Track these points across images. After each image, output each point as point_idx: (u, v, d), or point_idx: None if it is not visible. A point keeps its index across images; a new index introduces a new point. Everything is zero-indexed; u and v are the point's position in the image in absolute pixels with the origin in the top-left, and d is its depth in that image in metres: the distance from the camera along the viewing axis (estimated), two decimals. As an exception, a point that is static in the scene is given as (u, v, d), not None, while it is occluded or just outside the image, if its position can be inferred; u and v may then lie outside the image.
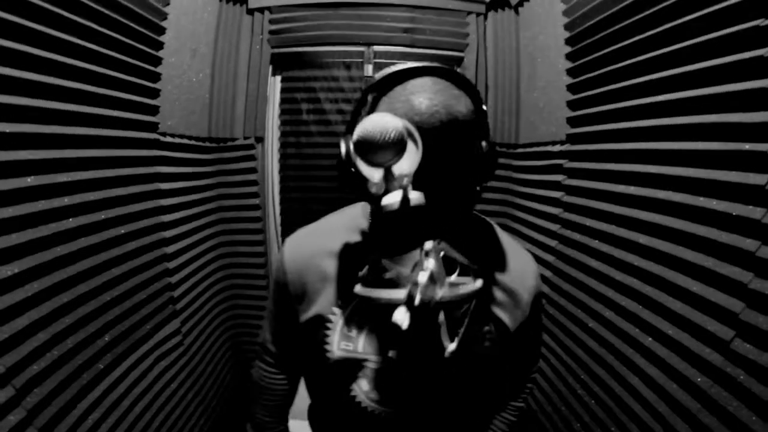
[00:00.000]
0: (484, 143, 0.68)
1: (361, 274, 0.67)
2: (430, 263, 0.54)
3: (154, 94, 1.42)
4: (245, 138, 1.81)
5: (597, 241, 1.32)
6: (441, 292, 0.54)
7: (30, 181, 0.97)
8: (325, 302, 0.77)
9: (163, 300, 1.44)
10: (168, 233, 1.48)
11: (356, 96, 1.88)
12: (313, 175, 1.93)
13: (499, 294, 0.79)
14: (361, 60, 1.85)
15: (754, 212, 0.85)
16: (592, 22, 1.34)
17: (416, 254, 0.55)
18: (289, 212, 1.97)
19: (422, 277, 0.52)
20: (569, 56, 1.47)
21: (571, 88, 1.47)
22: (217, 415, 1.79)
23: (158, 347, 1.41)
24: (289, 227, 1.97)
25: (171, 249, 1.49)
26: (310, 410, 0.98)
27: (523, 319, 0.82)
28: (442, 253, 0.59)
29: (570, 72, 1.47)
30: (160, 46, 1.43)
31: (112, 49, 1.23)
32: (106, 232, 1.21)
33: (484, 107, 0.69)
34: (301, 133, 1.92)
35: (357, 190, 0.63)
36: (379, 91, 0.68)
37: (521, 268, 0.84)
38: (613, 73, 1.28)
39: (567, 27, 1.47)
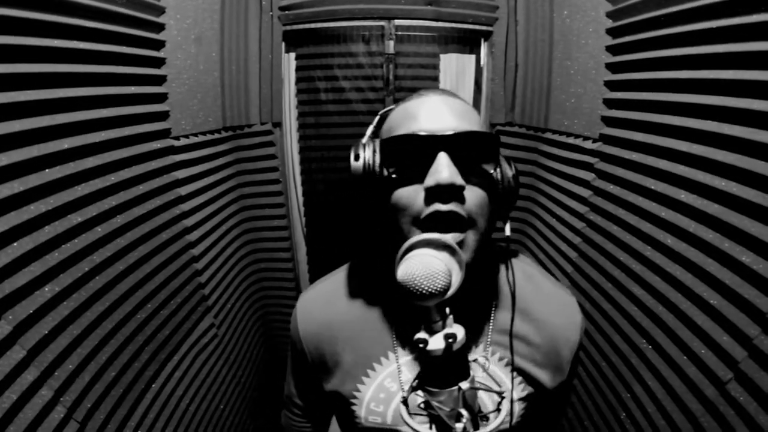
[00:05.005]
0: (504, 163, 0.68)
1: (403, 396, 0.66)
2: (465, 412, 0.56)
3: (162, 98, 1.36)
4: (262, 123, 1.75)
5: (620, 250, 1.30)
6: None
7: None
8: (345, 377, 0.77)
9: (195, 300, 1.51)
10: (192, 236, 1.51)
11: (377, 73, 1.76)
12: (334, 156, 1.89)
13: (538, 355, 0.74)
14: (381, 34, 1.70)
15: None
16: (640, 17, 1.20)
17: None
18: (311, 196, 1.96)
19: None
20: (610, 49, 1.33)
21: (609, 84, 1.35)
22: (251, 394, 1.96)
23: (195, 344, 1.51)
24: (312, 211, 1.97)
25: (197, 250, 1.53)
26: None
27: (562, 378, 0.76)
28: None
29: (609, 67, 1.34)
30: (161, 45, 1.34)
31: (112, 63, 1.17)
32: (135, 251, 1.24)
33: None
34: (320, 113, 1.84)
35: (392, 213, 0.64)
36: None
37: (564, 322, 0.76)
38: (658, 83, 1.17)
39: (610, 15, 1.31)
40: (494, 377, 0.73)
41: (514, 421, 0.73)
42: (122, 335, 1.17)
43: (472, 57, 1.79)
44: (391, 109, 0.74)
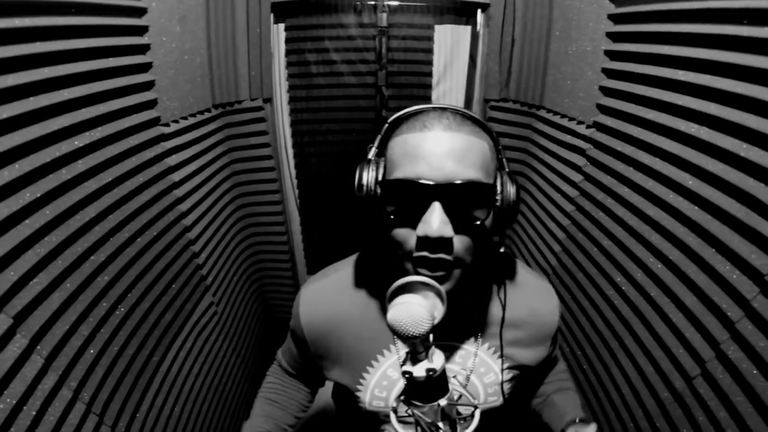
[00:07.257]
0: (504, 180, 0.68)
1: (392, 406, 0.74)
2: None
3: (149, 86, 1.32)
4: (252, 99, 1.70)
5: (606, 238, 1.35)
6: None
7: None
8: (349, 369, 0.82)
9: (195, 282, 1.55)
10: (188, 220, 1.52)
11: (369, 45, 1.70)
12: (326, 129, 1.86)
13: (523, 337, 0.84)
14: (373, 3, 1.62)
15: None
16: (645, 8, 1.16)
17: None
18: (303, 169, 1.95)
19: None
20: (610, 35, 1.30)
21: (606, 71, 1.34)
22: (251, 365, 2.06)
23: (197, 324, 1.57)
24: (304, 184, 1.97)
25: (194, 234, 1.55)
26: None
27: (544, 354, 0.88)
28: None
29: (608, 54, 1.32)
30: (144, 30, 1.27)
31: (95, 57, 1.11)
32: (134, 244, 1.25)
33: (500, 148, 0.71)
34: (311, 86, 1.79)
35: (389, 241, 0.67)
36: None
37: (544, 306, 0.86)
38: (656, 80, 1.16)
39: (614, 0, 1.27)
40: (471, 388, 0.82)
41: (506, 395, 0.85)
42: (129, 327, 1.22)
43: (468, 28, 1.72)
44: (399, 117, 0.71)
